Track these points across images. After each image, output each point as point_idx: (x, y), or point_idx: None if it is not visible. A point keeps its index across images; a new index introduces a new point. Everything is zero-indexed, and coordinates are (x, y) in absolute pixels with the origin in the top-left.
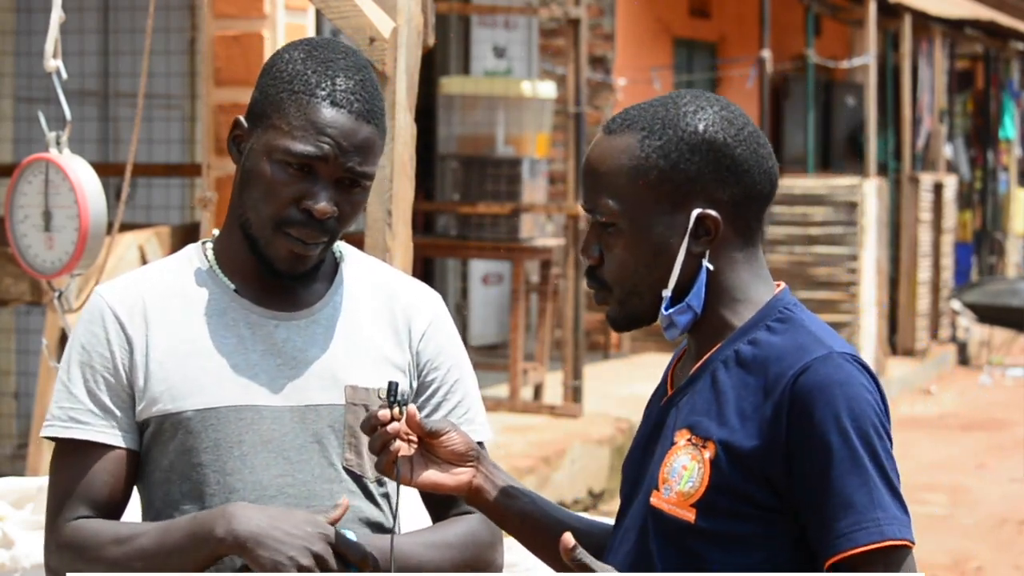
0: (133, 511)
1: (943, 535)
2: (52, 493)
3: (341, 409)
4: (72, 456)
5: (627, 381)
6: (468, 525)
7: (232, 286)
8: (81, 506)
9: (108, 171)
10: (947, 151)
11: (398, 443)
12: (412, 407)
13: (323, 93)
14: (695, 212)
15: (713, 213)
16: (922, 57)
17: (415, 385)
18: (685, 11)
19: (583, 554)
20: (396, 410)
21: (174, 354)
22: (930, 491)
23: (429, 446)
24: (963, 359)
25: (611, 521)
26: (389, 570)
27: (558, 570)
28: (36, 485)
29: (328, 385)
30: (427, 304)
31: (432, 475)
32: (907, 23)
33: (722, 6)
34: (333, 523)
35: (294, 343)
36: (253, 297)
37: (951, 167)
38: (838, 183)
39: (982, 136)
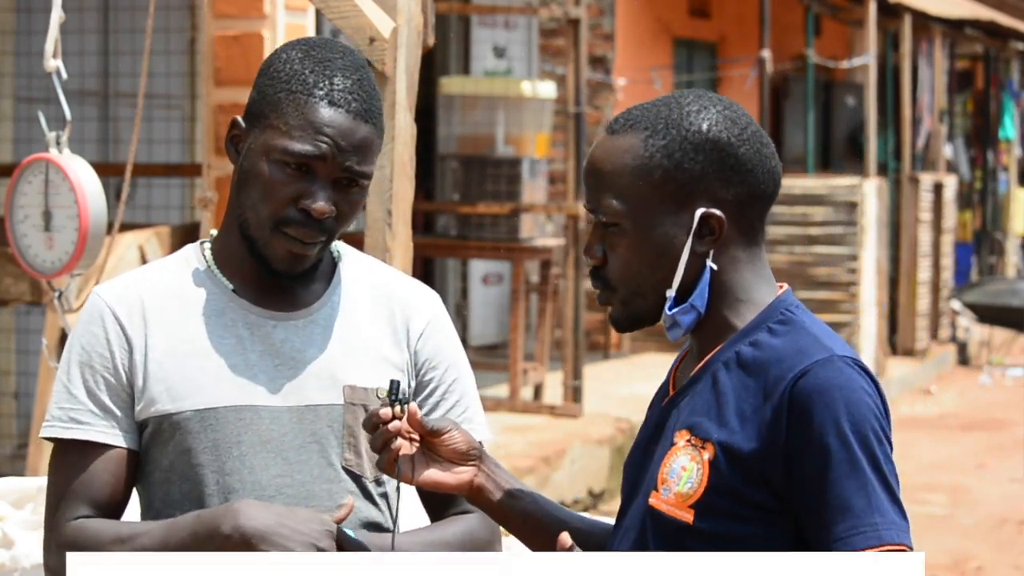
0: (132, 512)
1: (943, 535)
2: (52, 493)
3: (340, 409)
4: (72, 456)
5: (627, 381)
6: (467, 524)
7: (230, 286)
8: (82, 506)
9: (108, 171)
10: (947, 151)
11: (399, 441)
12: (414, 405)
13: (321, 93)
14: (699, 211)
15: (717, 212)
16: (922, 57)
17: (413, 385)
18: (685, 11)
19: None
20: (398, 408)
21: (173, 354)
22: (930, 491)
23: (430, 445)
24: (963, 359)
25: (612, 521)
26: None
27: None
28: (36, 485)
29: (327, 385)
30: (425, 303)
31: (433, 474)
32: (907, 23)
33: (722, 6)
34: (338, 522)
35: (292, 343)
36: (251, 297)
37: (951, 167)
38: (838, 183)
39: (982, 136)
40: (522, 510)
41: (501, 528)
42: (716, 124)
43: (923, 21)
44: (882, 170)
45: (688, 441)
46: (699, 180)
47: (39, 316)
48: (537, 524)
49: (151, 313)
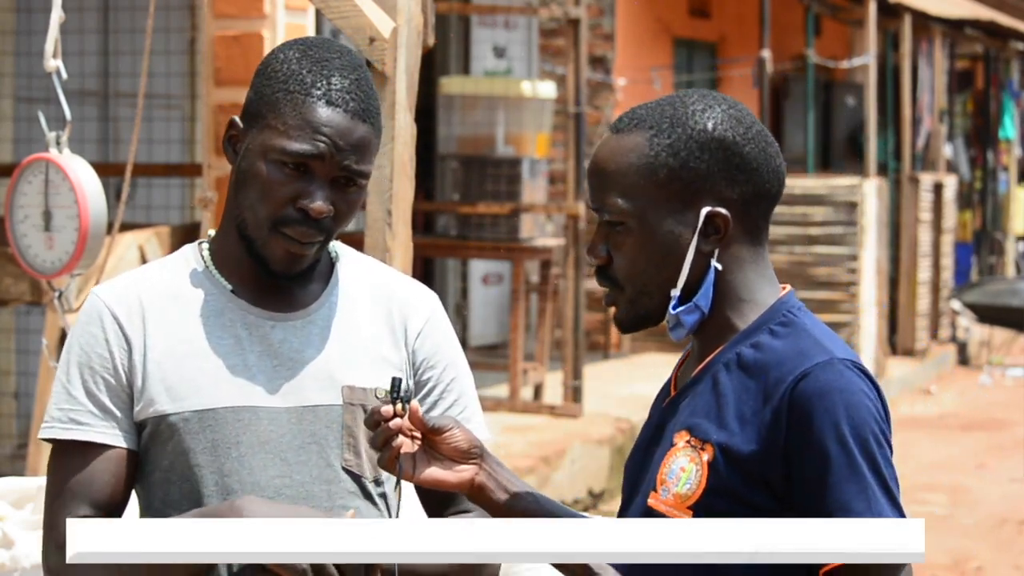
0: (131, 513)
1: (943, 535)
2: (51, 493)
3: (339, 409)
4: (72, 457)
5: (627, 381)
6: None
7: (229, 287)
8: (82, 506)
9: (108, 171)
10: (947, 151)
11: (400, 439)
12: (415, 403)
13: (319, 92)
14: (704, 210)
15: (723, 211)
16: (922, 57)
17: (412, 384)
18: (685, 11)
19: None
20: (399, 406)
21: (172, 355)
22: (930, 491)
23: (432, 443)
24: (963, 359)
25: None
26: (393, 570)
27: (560, 570)
28: (36, 485)
29: (325, 386)
30: (423, 303)
31: (434, 472)
32: (907, 23)
33: (722, 6)
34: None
35: (291, 344)
36: (250, 298)
37: (951, 167)
38: (838, 183)
39: (982, 136)
40: (524, 509)
41: None
42: (722, 123)
43: (923, 21)
44: (882, 170)
45: (687, 442)
46: (704, 179)
47: (39, 316)
48: None
49: (150, 313)
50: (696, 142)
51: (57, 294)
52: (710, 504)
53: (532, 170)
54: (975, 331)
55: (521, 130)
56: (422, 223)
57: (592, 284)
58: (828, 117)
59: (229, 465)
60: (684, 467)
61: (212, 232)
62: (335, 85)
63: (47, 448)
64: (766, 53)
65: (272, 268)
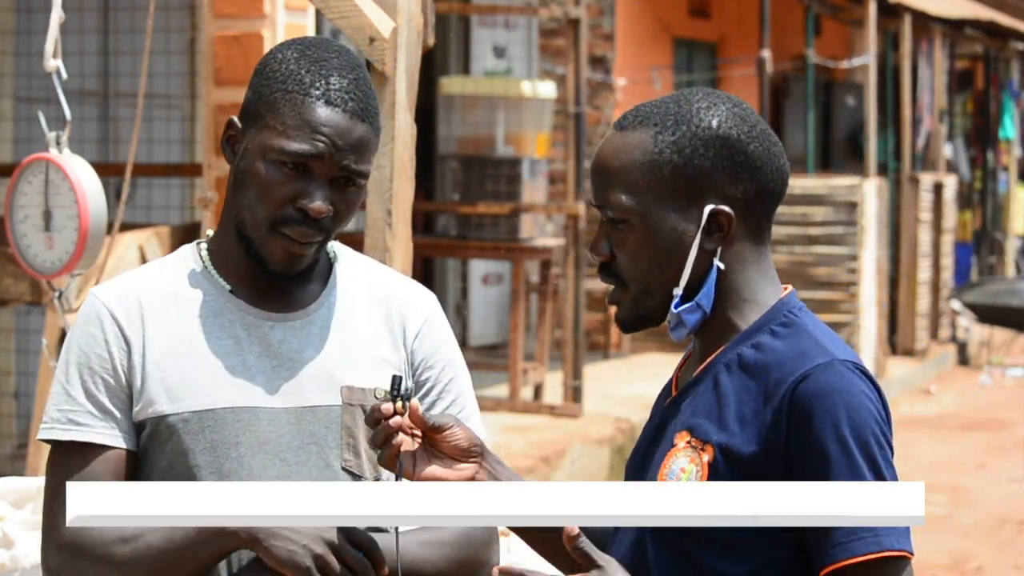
0: None
1: (943, 535)
2: (50, 494)
3: (338, 410)
4: (71, 458)
5: (627, 381)
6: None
7: (227, 287)
8: None
9: (108, 171)
10: (947, 151)
11: (401, 437)
12: (415, 401)
13: (317, 92)
14: (708, 208)
15: (726, 209)
16: (922, 57)
17: (411, 383)
18: (685, 11)
19: (585, 543)
20: (399, 404)
21: (171, 355)
22: (930, 491)
23: (432, 441)
24: (963, 359)
25: None
26: (395, 569)
27: (560, 568)
28: (36, 485)
29: (325, 386)
30: (422, 303)
31: (435, 470)
32: (907, 23)
33: (722, 6)
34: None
35: (290, 344)
36: (248, 298)
37: (951, 167)
38: (838, 183)
39: (982, 136)
40: None
41: (500, 528)
42: (726, 120)
43: (923, 21)
44: (882, 170)
45: (688, 443)
46: (709, 176)
47: (39, 316)
48: None
49: (149, 314)
50: (700, 139)
51: (57, 294)
52: None
53: (532, 170)
54: (975, 331)
55: (521, 130)
56: (422, 223)
57: (592, 284)
58: (828, 117)
59: (228, 466)
60: (684, 468)
61: (211, 232)
62: (333, 85)
63: (47, 448)
64: (766, 53)
65: (271, 268)
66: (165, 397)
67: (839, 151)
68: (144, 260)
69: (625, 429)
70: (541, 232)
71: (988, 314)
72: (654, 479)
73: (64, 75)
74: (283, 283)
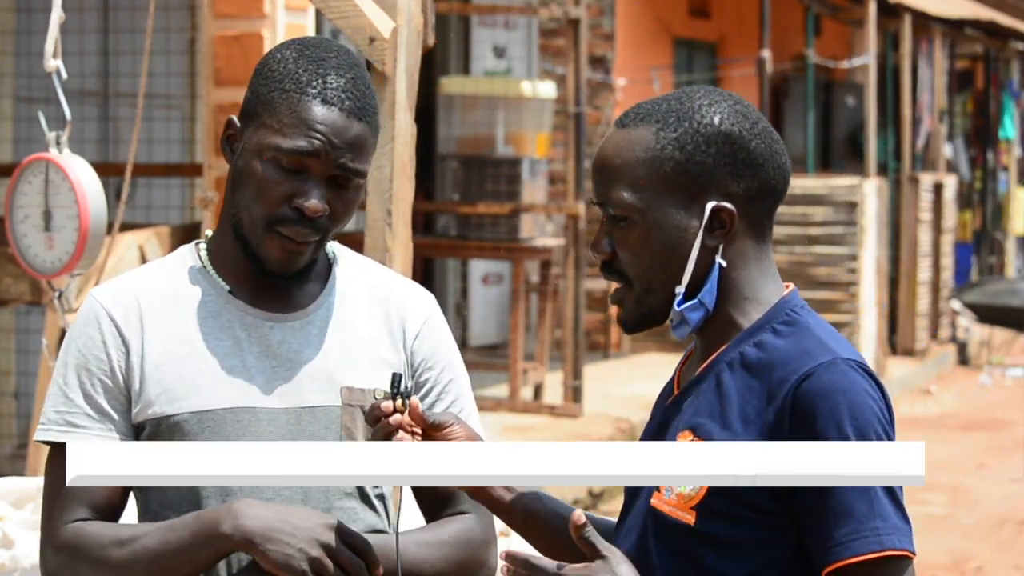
0: (129, 515)
1: (943, 535)
2: (48, 495)
3: (337, 410)
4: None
5: (627, 381)
6: (463, 524)
7: (226, 287)
8: (80, 508)
9: (108, 171)
10: (947, 151)
11: (401, 435)
12: (415, 399)
13: (314, 91)
14: (710, 204)
15: (728, 206)
16: (922, 57)
17: (411, 383)
18: (685, 11)
19: (591, 533)
20: (399, 402)
21: (170, 356)
22: (930, 491)
23: (432, 438)
24: (963, 359)
25: (615, 520)
26: (394, 569)
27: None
28: (36, 485)
29: (324, 387)
30: (421, 304)
31: None
32: (907, 23)
33: (722, 6)
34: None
35: (289, 345)
36: (247, 298)
37: (951, 167)
38: (838, 183)
39: (982, 136)
40: (525, 506)
41: (499, 527)
42: (728, 118)
43: (923, 21)
44: (882, 170)
45: (691, 442)
46: (711, 173)
47: (39, 316)
48: (540, 520)
49: (148, 315)
50: (702, 136)
51: (57, 294)
52: (713, 504)
53: (532, 170)
54: (975, 331)
55: (521, 130)
56: (422, 223)
57: (592, 284)
58: (828, 117)
59: None
60: None
61: (210, 232)
62: (331, 84)
63: (47, 449)
64: (766, 53)
65: (268, 268)
66: (164, 398)
67: (839, 151)
68: (144, 260)
69: (625, 429)
70: (541, 232)
71: (988, 314)
72: None
73: (64, 75)
74: (281, 283)
